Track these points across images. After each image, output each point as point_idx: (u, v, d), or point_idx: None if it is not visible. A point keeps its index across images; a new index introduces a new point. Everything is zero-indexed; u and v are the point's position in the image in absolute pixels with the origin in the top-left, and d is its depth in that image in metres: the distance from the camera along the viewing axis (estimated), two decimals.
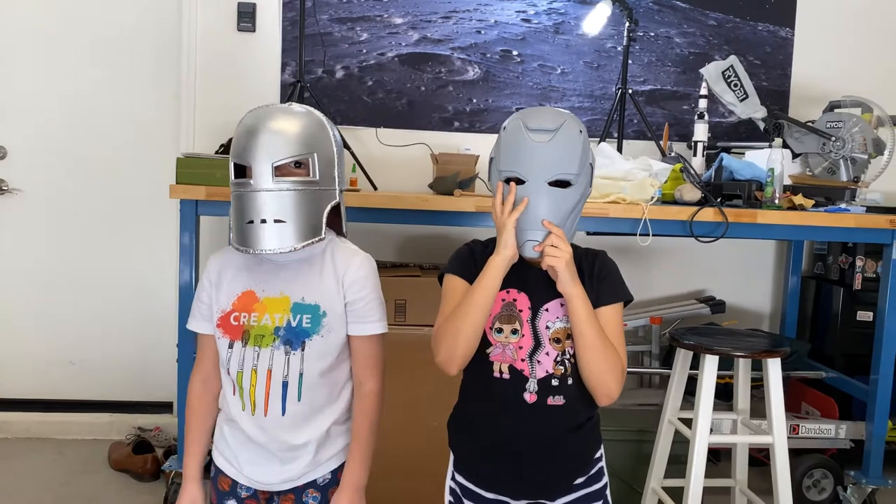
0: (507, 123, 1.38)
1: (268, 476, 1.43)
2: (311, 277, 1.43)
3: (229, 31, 3.04)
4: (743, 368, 2.16)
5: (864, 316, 2.91)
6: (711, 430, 2.32)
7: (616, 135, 3.01)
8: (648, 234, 2.31)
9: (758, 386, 2.46)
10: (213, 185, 2.29)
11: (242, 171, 1.38)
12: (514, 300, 1.37)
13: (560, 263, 1.30)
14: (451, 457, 1.47)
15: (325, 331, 1.41)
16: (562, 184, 1.33)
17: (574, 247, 1.38)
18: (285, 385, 1.39)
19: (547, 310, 1.36)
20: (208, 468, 1.52)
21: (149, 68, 3.14)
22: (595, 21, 3.01)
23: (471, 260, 1.41)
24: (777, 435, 1.98)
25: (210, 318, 1.45)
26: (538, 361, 1.35)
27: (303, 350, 1.40)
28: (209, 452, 1.51)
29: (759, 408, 2.29)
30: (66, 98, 3.13)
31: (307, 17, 2.91)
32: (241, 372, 1.40)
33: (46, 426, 3.07)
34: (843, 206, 2.50)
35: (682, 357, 2.11)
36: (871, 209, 2.58)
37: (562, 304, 1.36)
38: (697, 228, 2.36)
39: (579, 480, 1.39)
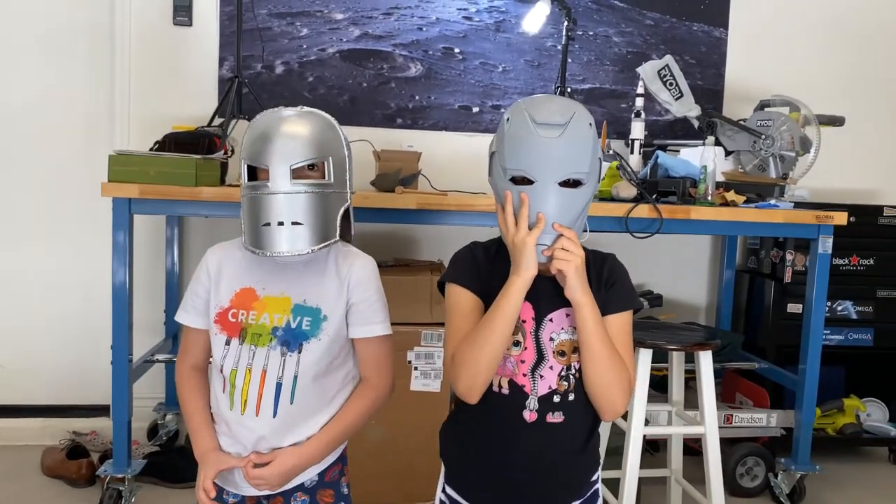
0: (511, 115, 1.26)
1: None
2: (314, 279, 1.42)
3: (165, 24, 2.98)
4: (677, 361, 2.22)
5: (794, 308, 3.01)
6: (648, 422, 2.39)
7: None
8: (586, 231, 2.34)
9: (693, 377, 2.53)
10: (146, 182, 2.24)
11: (255, 174, 1.39)
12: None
13: (570, 268, 1.20)
14: (443, 468, 1.40)
15: (323, 335, 1.40)
16: (572, 183, 1.23)
17: (596, 253, 1.32)
18: (279, 387, 1.38)
19: (551, 320, 1.27)
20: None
21: (82, 62, 3.05)
22: (535, 20, 3.04)
23: (474, 267, 1.31)
24: (709, 425, 2.04)
25: (203, 313, 1.43)
26: (541, 376, 1.26)
27: (299, 353, 1.38)
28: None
29: (694, 399, 2.35)
30: None
31: (245, 11, 2.87)
32: (236, 370, 1.38)
33: None
34: (772, 202, 2.58)
35: None
36: (799, 205, 2.67)
37: (567, 315, 1.26)
38: (633, 224, 2.41)
39: (576, 503, 1.33)
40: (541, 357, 1.27)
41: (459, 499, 1.35)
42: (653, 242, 2.48)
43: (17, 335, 3.10)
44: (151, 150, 2.50)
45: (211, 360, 1.46)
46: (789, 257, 3.01)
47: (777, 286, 3.06)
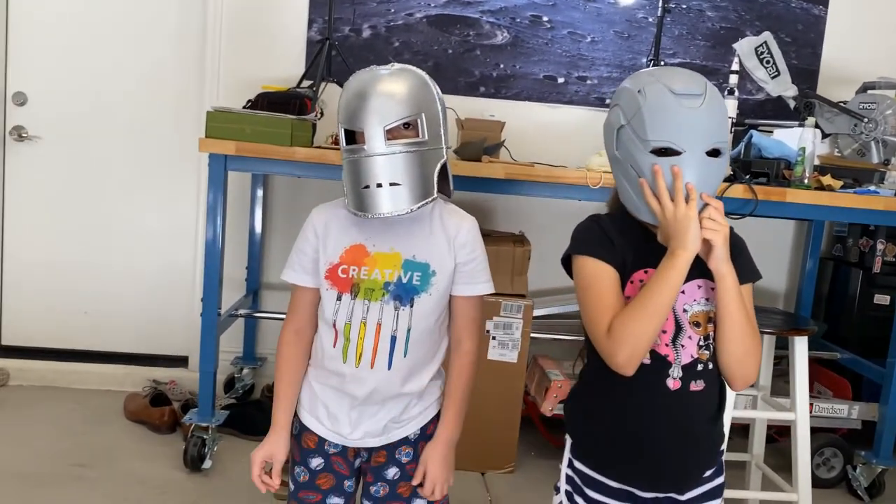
0: (644, 87, 1.23)
1: (358, 431, 1.44)
2: (422, 236, 1.44)
3: None
4: (767, 346, 2.17)
5: (882, 299, 2.93)
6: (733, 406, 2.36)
7: None
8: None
9: (775, 364, 2.49)
10: (242, 140, 2.27)
11: (352, 137, 1.40)
12: None
13: (719, 238, 1.20)
14: (569, 442, 1.40)
15: (433, 289, 1.42)
16: (714, 153, 1.22)
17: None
18: (393, 340, 1.41)
19: (683, 292, 1.26)
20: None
21: (173, 20, 3.09)
22: None
23: (607, 240, 1.28)
24: (800, 412, 2.00)
25: (312, 271, 1.46)
26: (682, 346, 1.27)
27: (411, 307, 1.41)
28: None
29: (775, 385, 2.31)
30: (88, 46, 3.09)
31: None
32: (349, 324, 1.41)
33: (61, 375, 3.08)
34: (872, 188, 2.49)
35: None
36: None
37: (699, 286, 1.27)
38: (727, 205, 2.34)
39: (707, 473, 1.33)
40: (679, 328, 1.28)
41: (592, 473, 1.34)
42: (736, 225, 2.41)
43: (102, 284, 3.21)
44: (245, 108, 2.53)
45: (319, 318, 1.48)
46: (880, 247, 2.92)
47: (864, 276, 2.97)
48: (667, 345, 1.27)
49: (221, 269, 2.38)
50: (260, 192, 3.04)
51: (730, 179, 2.40)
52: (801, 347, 1.99)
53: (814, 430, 2.74)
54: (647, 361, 1.26)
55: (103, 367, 3.12)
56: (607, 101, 3.15)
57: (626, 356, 1.21)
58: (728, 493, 2.21)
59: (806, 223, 3.22)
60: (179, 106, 3.10)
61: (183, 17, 3.08)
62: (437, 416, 1.50)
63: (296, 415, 1.50)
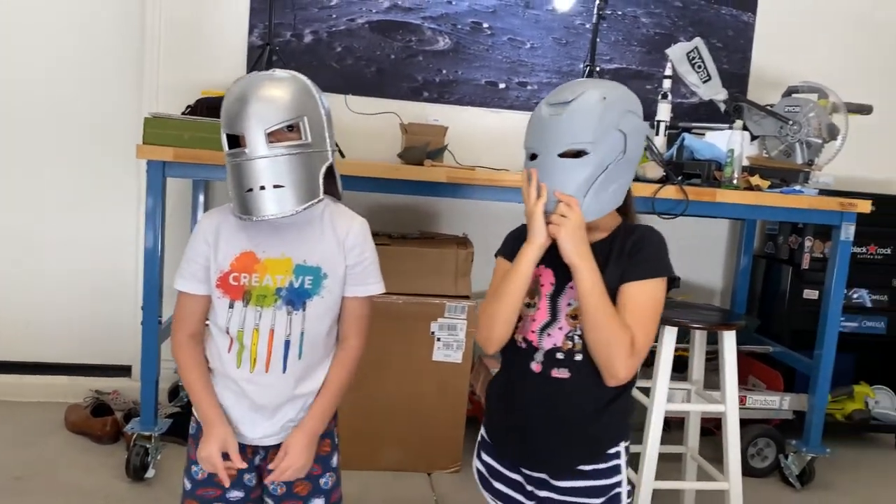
0: (540, 104, 1.39)
1: (257, 431, 1.45)
2: (312, 240, 1.45)
3: None
4: (699, 340, 2.26)
5: (811, 294, 3.05)
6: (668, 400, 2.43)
7: None
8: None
9: (709, 359, 2.57)
10: (180, 146, 2.26)
11: (236, 141, 1.40)
12: (539, 275, 1.38)
13: (559, 232, 1.29)
14: (479, 437, 1.50)
15: (325, 292, 1.44)
16: (574, 154, 1.31)
17: (627, 225, 1.38)
18: (287, 344, 1.43)
19: (572, 287, 1.33)
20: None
21: (112, 27, 3.05)
22: None
23: (518, 242, 1.38)
24: (729, 404, 2.08)
25: (203, 279, 1.46)
26: (548, 334, 1.35)
27: (304, 310, 1.43)
28: (190, 413, 1.52)
29: (710, 379, 2.39)
30: (22, 51, 3.03)
31: None
32: (242, 331, 1.42)
33: (1, 388, 3.01)
34: (797, 188, 2.60)
35: None
36: (824, 192, 2.69)
37: None
38: (659, 205, 2.43)
39: (585, 467, 1.36)
40: (553, 318, 1.37)
41: (490, 441, 1.47)
42: (672, 225, 2.49)
43: (43, 294, 3.14)
44: (184, 114, 2.52)
45: (209, 323, 1.49)
46: (808, 244, 3.04)
47: (794, 272, 3.09)
48: (533, 332, 1.37)
49: (162, 277, 2.36)
50: (202, 198, 3.02)
51: (663, 181, 2.48)
52: (729, 342, 2.08)
53: (748, 422, 2.87)
54: (523, 346, 1.39)
55: (45, 379, 3.06)
56: None
57: (484, 336, 1.38)
58: (664, 485, 2.31)
59: (739, 222, 3.34)
60: (118, 112, 3.06)
61: (121, 22, 3.04)
62: (334, 414, 1.53)
63: (193, 416, 1.51)
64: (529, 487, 1.39)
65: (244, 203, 1.38)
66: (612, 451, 1.37)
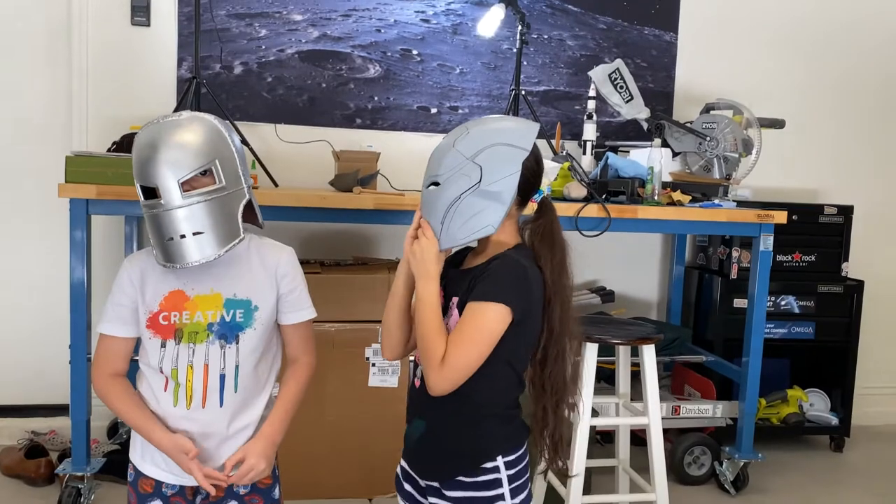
0: None
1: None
2: (241, 274, 1.49)
3: (123, 24, 2.99)
4: (623, 355, 2.31)
5: (740, 303, 3.13)
6: (598, 414, 2.48)
7: None
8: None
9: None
10: (104, 183, 2.26)
11: (150, 192, 1.40)
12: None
13: (407, 250, 1.40)
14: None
15: (257, 324, 1.48)
16: (434, 185, 1.40)
17: (501, 253, 1.41)
18: (223, 378, 1.45)
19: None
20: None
21: (39, 62, 3.03)
22: (489, 24, 3.10)
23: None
24: (652, 416, 2.13)
25: (129, 321, 1.47)
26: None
27: (237, 343, 1.46)
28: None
29: (637, 391, 2.45)
30: None
31: (203, 12, 2.89)
32: (176, 369, 1.44)
33: None
34: (716, 201, 2.69)
35: None
36: (742, 204, 2.79)
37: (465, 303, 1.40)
38: (583, 224, 2.49)
39: (465, 479, 1.41)
40: None
41: (405, 465, 1.53)
42: (606, 240, 2.57)
43: None
44: (109, 150, 2.53)
45: (141, 365, 1.51)
46: (735, 254, 3.13)
47: (724, 282, 3.18)
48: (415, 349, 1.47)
49: (89, 313, 2.34)
50: (134, 231, 3.00)
51: (587, 199, 2.55)
52: (649, 355, 2.13)
53: (684, 431, 2.93)
54: (411, 362, 1.49)
55: None
56: None
57: (381, 344, 1.52)
58: (596, 498, 2.35)
59: (671, 235, 3.43)
60: (48, 147, 3.03)
61: (49, 57, 3.02)
62: None
63: (130, 462, 1.51)
64: (428, 496, 1.45)
65: (166, 251, 1.40)
66: (490, 465, 1.41)
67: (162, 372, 1.45)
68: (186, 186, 1.38)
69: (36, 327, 3.11)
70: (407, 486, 1.50)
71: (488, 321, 1.35)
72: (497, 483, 1.41)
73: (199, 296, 1.46)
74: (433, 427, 1.43)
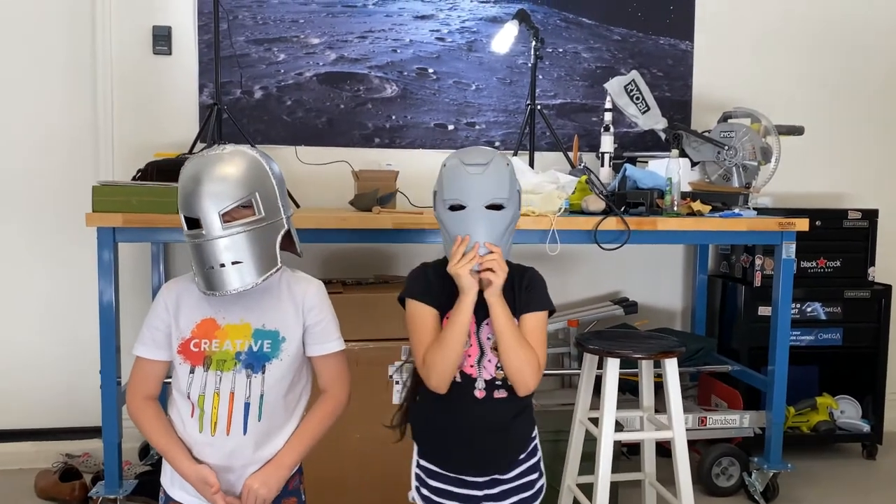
0: (446, 162, 1.60)
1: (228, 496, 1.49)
2: (270, 305, 1.54)
3: (145, 54, 3.06)
4: (646, 368, 2.30)
5: (765, 311, 3.10)
6: (623, 427, 2.47)
7: (529, 148, 3.14)
8: (557, 244, 2.44)
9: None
10: (130, 212, 2.31)
11: (193, 222, 1.47)
12: None
13: (497, 280, 1.51)
14: (415, 447, 1.72)
15: (284, 355, 1.52)
16: (496, 207, 1.54)
17: (508, 263, 1.58)
18: (247, 406, 1.49)
19: (488, 324, 1.58)
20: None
21: (64, 93, 3.12)
22: (503, 41, 3.13)
23: (428, 285, 1.60)
24: (676, 429, 2.12)
25: (163, 345, 1.53)
26: (484, 367, 1.60)
27: (263, 373, 1.50)
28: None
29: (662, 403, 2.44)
30: None
31: (223, 39, 2.95)
32: (203, 395, 1.48)
33: None
34: (736, 210, 2.67)
35: (589, 360, 2.23)
36: (763, 212, 2.77)
37: None
38: (602, 237, 2.49)
39: (522, 456, 1.66)
40: (482, 352, 1.61)
41: (434, 467, 1.65)
42: (627, 250, 2.56)
43: (7, 359, 3.16)
44: (134, 178, 2.58)
45: (173, 389, 1.55)
46: (758, 262, 3.11)
47: (748, 290, 3.15)
48: (472, 366, 1.60)
49: (118, 337, 2.40)
50: (161, 255, 3.06)
51: (605, 212, 2.55)
52: (671, 369, 2.12)
53: (713, 441, 2.91)
54: (459, 380, 1.59)
55: (11, 446, 3.07)
56: (496, 143, 3.30)
57: (436, 380, 1.56)
58: None
59: (693, 245, 3.41)
60: (76, 176, 3.11)
61: (74, 87, 3.10)
62: (297, 471, 1.58)
63: (162, 487, 1.54)
64: (476, 491, 1.62)
65: (208, 279, 1.46)
66: (533, 434, 1.71)
67: (189, 398, 1.49)
68: (227, 217, 1.44)
69: (67, 352, 3.18)
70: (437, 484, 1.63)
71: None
72: (537, 447, 1.72)
73: (230, 325, 1.50)
74: (499, 423, 1.60)
